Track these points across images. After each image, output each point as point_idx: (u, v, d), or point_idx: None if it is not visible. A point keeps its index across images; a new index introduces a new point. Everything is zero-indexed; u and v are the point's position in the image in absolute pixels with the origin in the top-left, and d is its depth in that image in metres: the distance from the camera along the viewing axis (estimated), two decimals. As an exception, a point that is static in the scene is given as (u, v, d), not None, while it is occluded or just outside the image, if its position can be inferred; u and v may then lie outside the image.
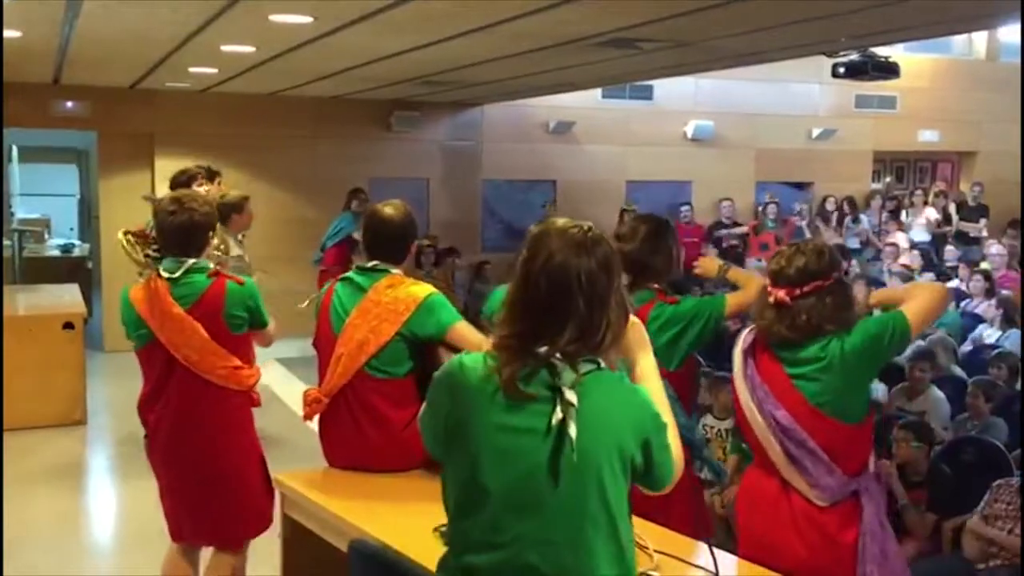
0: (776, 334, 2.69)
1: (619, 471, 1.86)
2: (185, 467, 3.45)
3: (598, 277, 1.88)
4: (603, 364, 1.89)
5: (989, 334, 7.51)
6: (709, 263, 3.67)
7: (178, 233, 3.39)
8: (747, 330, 2.82)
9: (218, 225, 3.83)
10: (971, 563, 4.21)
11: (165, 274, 3.38)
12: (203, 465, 3.42)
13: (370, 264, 3.22)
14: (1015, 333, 7.31)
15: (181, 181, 5.90)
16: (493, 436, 1.84)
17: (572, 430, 1.79)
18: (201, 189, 5.81)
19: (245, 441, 3.52)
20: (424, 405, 2.01)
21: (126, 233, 4.49)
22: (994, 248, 10.05)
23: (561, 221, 1.95)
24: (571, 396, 1.80)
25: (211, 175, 6.19)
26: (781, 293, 2.68)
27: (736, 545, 2.80)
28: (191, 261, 3.40)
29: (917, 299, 2.77)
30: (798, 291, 2.67)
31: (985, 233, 11.84)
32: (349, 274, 3.27)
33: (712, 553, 2.23)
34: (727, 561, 2.52)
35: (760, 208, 11.76)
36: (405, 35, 6.02)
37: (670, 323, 3.22)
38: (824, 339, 2.64)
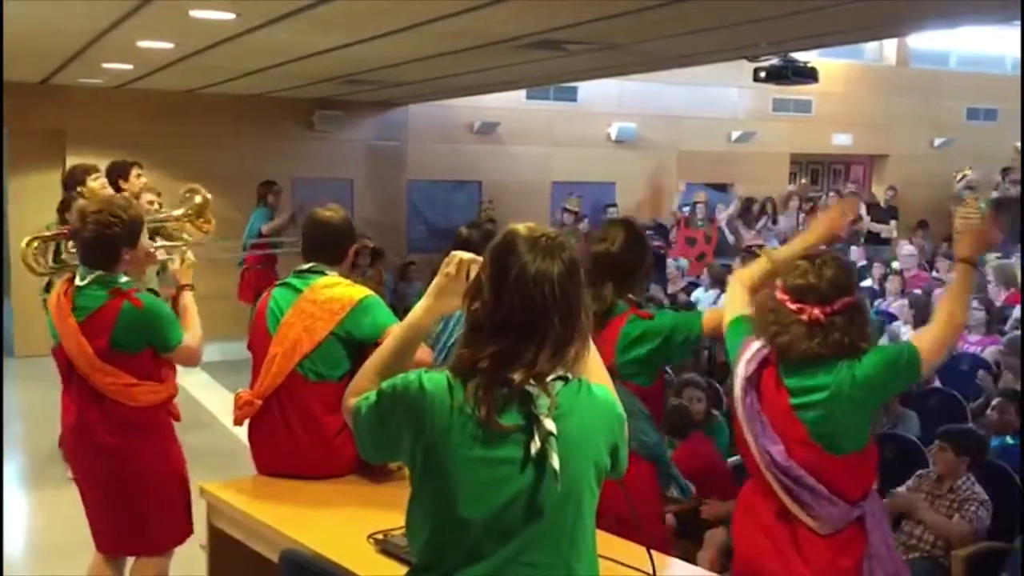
0: (803, 352, 2.56)
1: (595, 486, 1.86)
2: (94, 475, 3.36)
3: (568, 285, 1.83)
4: (568, 374, 1.85)
5: (902, 332, 7.75)
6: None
7: (87, 247, 3.30)
8: (753, 349, 2.67)
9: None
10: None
11: (76, 280, 3.30)
12: (110, 474, 3.32)
13: (307, 266, 3.20)
14: (927, 331, 7.56)
15: (67, 184, 5.73)
16: (472, 470, 1.79)
17: (555, 461, 1.75)
18: (96, 183, 5.63)
19: (153, 456, 3.38)
20: (367, 410, 1.93)
21: (30, 243, 4.27)
22: (906, 248, 10.39)
23: (524, 229, 1.88)
24: (550, 425, 1.76)
25: (124, 167, 6.00)
26: (816, 311, 2.56)
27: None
28: (98, 273, 3.27)
29: (934, 329, 2.61)
30: (830, 308, 2.56)
31: (895, 234, 12.24)
32: (287, 279, 3.24)
33: (650, 556, 2.23)
34: (668, 566, 2.53)
35: (689, 207, 11.94)
36: (331, 33, 5.93)
37: (645, 338, 3.09)
38: (834, 366, 2.55)
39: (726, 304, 2.97)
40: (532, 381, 1.79)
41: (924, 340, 2.60)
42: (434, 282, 2.07)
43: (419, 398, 1.83)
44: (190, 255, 3.61)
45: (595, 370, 2.01)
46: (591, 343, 1.98)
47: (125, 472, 3.31)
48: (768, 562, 2.61)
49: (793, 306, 2.59)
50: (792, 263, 2.72)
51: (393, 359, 2.05)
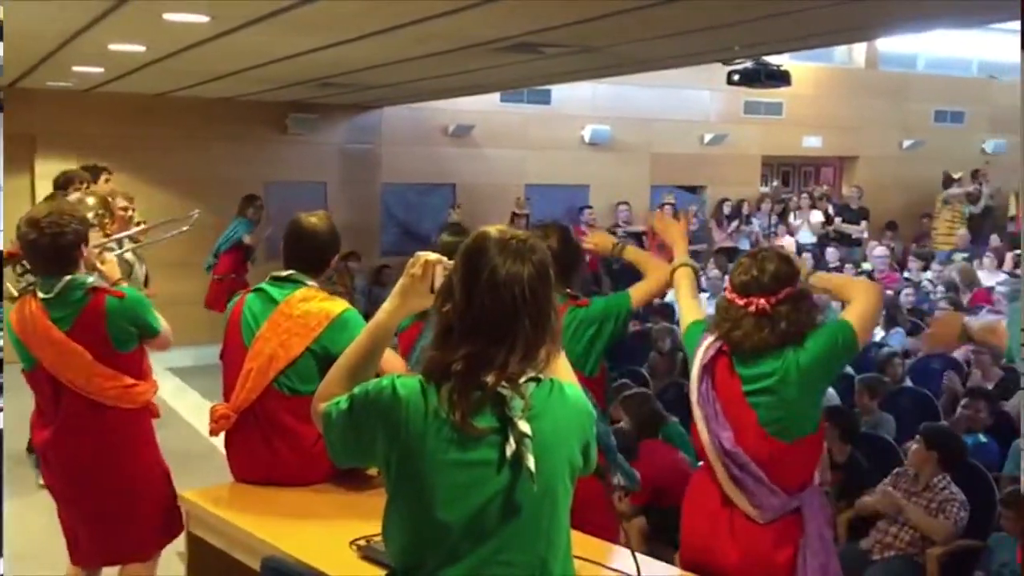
0: (756, 344, 2.68)
1: (569, 484, 1.88)
2: (80, 487, 3.29)
3: (539, 287, 1.85)
4: (539, 375, 1.86)
5: (874, 333, 7.83)
6: (602, 238, 3.68)
7: (44, 256, 3.19)
8: (709, 340, 2.79)
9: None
10: (867, 552, 4.38)
11: (41, 294, 3.19)
12: (98, 485, 3.27)
13: (285, 274, 3.13)
14: (898, 331, 7.66)
15: (60, 184, 5.68)
16: (448, 473, 1.81)
17: (531, 463, 1.77)
18: (73, 197, 5.57)
19: (145, 456, 3.38)
20: (338, 416, 1.92)
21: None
22: (877, 250, 10.52)
23: (495, 231, 1.90)
24: (524, 427, 1.78)
25: (95, 172, 5.96)
26: (761, 302, 2.69)
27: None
28: (67, 278, 3.19)
29: (858, 304, 2.79)
30: (774, 299, 2.69)
31: (866, 235, 12.37)
32: (262, 285, 3.16)
33: (635, 558, 2.25)
34: (651, 567, 2.54)
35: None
36: (307, 36, 5.90)
37: (583, 326, 3.20)
38: (780, 354, 2.67)
39: (681, 313, 3.11)
40: (505, 383, 1.80)
41: (854, 314, 2.76)
42: (399, 283, 2.07)
43: (393, 404, 1.84)
44: (109, 256, 3.53)
45: (563, 370, 2.02)
46: (561, 343, 2.00)
47: (120, 477, 3.27)
48: (708, 546, 2.71)
49: (741, 301, 2.73)
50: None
51: (360, 361, 2.06)
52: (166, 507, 3.36)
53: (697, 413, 2.74)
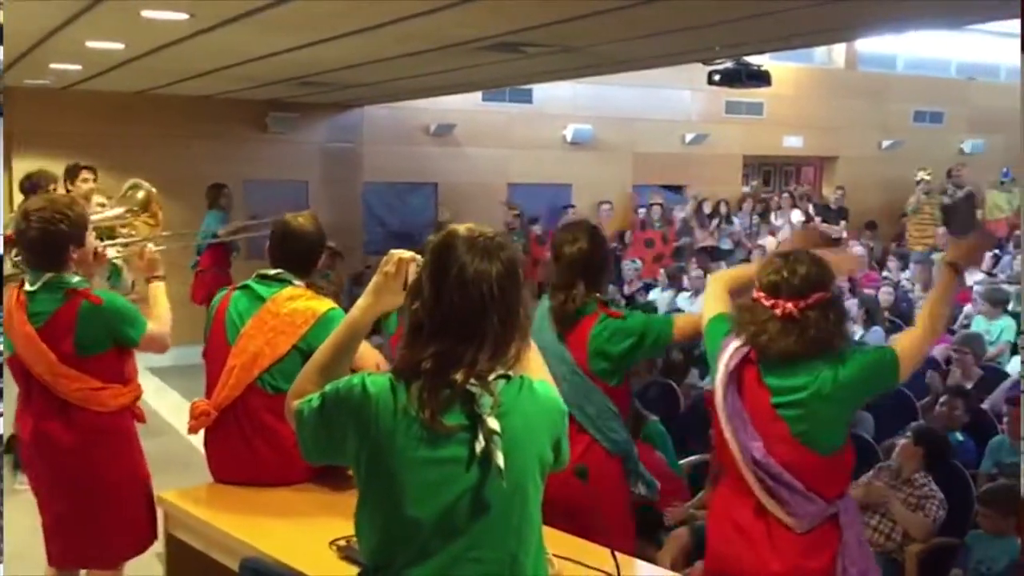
0: (782, 350, 2.57)
1: (539, 481, 1.89)
2: (54, 484, 3.27)
3: (507, 285, 1.85)
4: (509, 372, 1.87)
5: (853, 331, 7.88)
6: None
7: (33, 247, 3.17)
8: (733, 347, 2.67)
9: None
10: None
11: (27, 286, 3.18)
12: (72, 483, 3.24)
13: (273, 272, 3.12)
14: (877, 330, 7.71)
15: (27, 188, 5.61)
16: (418, 470, 1.81)
17: (500, 459, 1.78)
18: (86, 185, 5.55)
19: (122, 458, 3.33)
20: (309, 413, 1.92)
21: None
22: (856, 249, 10.55)
23: (463, 229, 1.90)
24: (493, 424, 1.79)
25: (73, 172, 5.89)
26: (789, 306, 2.57)
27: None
28: (50, 275, 3.16)
29: (916, 338, 2.66)
30: (803, 303, 2.57)
31: (845, 234, 12.44)
32: (248, 282, 3.16)
33: (615, 558, 2.25)
34: (632, 566, 2.53)
35: (646, 209, 12.02)
36: (287, 34, 5.87)
37: (618, 338, 3.12)
38: (815, 367, 2.56)
39: (705, 303, 2.98)
40: (474, 381, 1.81)
41: (904, 344, 2.65)
42: (373, 280, 2.08)
43: (363, 401, 1.84)
44: (151, 246, 3.52)
45: (535, 367, 2.03)
46: (532, 341, 2.01)
47: (91, 480, 3.23)
48: (741, 559, 2.63)
49: (767, 302, 2.61)
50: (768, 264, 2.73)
51: (333, 359, 2.06)
52: (137, 518, 3.31)
53: (724, 425, 2.64)
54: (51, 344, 3.15)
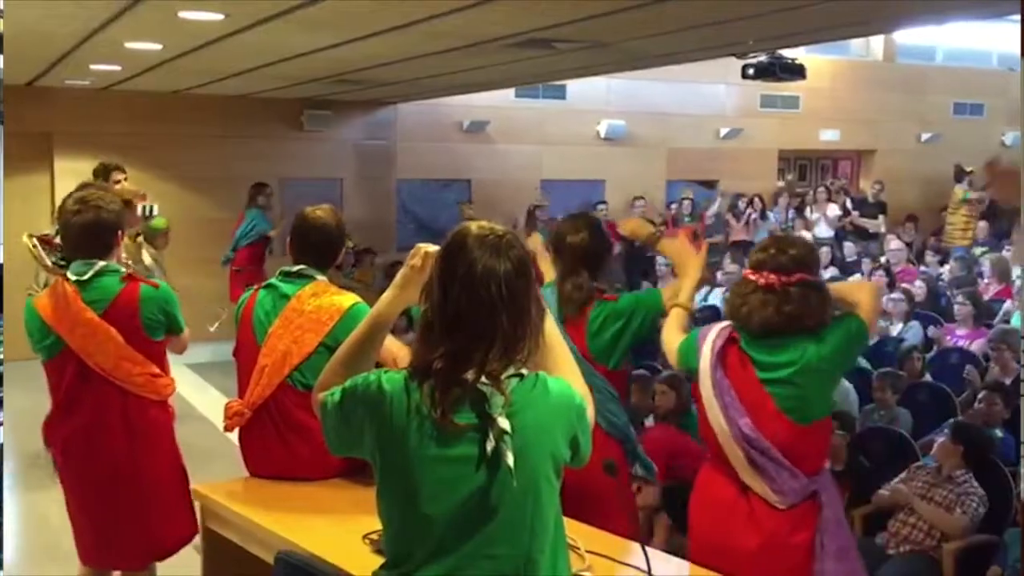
0: (762, 320, 2.69)
1: (553, 478, 1.88)
2: (102, 482, 3.29)
3: (517, 283, 1.85)
4: (523, 370, 1.87)
5: (892, 327, 7.78)
6: (638, 225, 3.63)
7: (84, 233, 3.22)
8: (718, 327, 2.80)
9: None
10: (882, 548, 4.36)
11: (73, 277, 3.22)
12: (121, 479, 3.28)
13: (295, 269, 3.15)
14: (915, 325, 7.61)
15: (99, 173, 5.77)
16: (430, 468, 1.83)
17: (510, 459, 1.78)
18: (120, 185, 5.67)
19: (166, 453, 3.39)
20: (331, 408, 1.96)
21: (31, 236, 4.28)
22: (893, 244, 10.42)
23: (475, 227, 1.90)
24: (504, 423, 1.79)
25: (106, 171, 5.99)
26: (772, 277, 2.70)
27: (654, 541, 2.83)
28: (101, 263, 3.23)
29: (866, 301, 2.82)
30: (786, 278, 2.69)
31: (883, 229, 12.27)
32: (272, 280, 3.19)
33: (645, 553, 2.25)
34: (661, 562, 2.53)
35: (676, 204, 11.96)
36: (320, 33, 5.92)
37: (610, 320, 3.21)
38: (799, 344, 2.67)
39: (667, 333, 3.05)
40: (485, 380, 1.81)
41: (862, 310, 2.79)
42: (399, 273, 2.09)
43: (378, 398, 1.86)
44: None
45: (559, 362, 2.01)
46: (558, 335, 2.02)
47: (138, 473, 3.28)
48: (723, 535, 2.71)
49: (753, 276, 2.75)
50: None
51: (358, 351, 2.08)
52: (180, 510, 3.35)
53: (712, 403, 2.73)
54: (119, 327, 3.20)
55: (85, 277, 3.22)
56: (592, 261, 3.29)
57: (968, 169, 12.07)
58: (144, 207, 5.42)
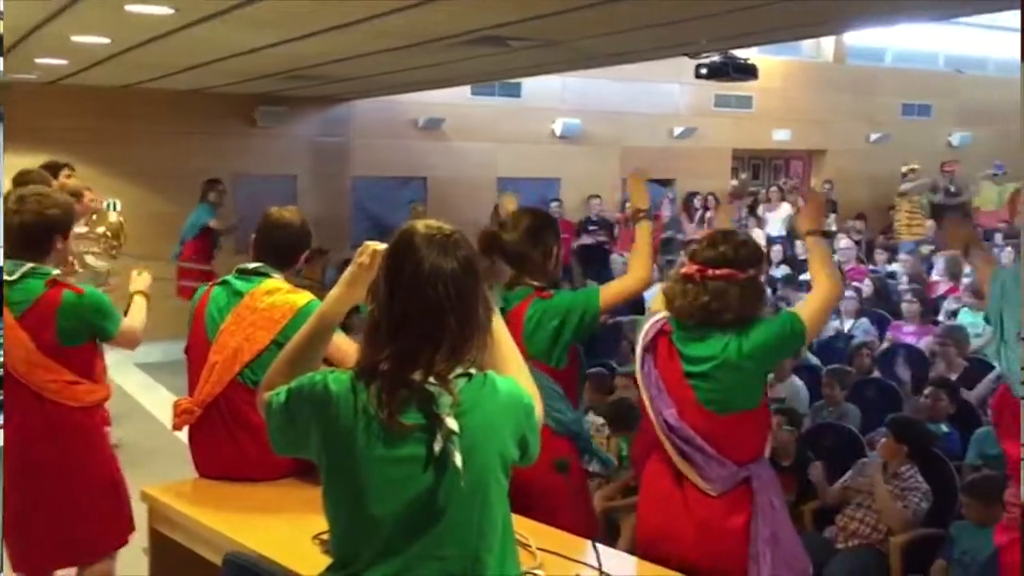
0: (678, 310, 2.74)
1: (502, 478, 1.88)
2: (26, 488, 3.23)
3: (464, 283, 1.84)
4: (472, 370, 1.86)
5: (843, 323, 7.89)
6: (639, 191, 3.43)
7: (19, 233, 3.16)
8: (653, 319, 2.84)
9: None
10: (831, 542, 4.43)
11: (5, 276, 3.17)
12: (47, 484, 3.22)
13: (252, 266, 3.12)
14: (864, 322, 7.74)
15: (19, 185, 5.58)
16: (378, 469, 1.81)
17: (458, 459, 1.77)
18: (70, 181, 5.53)
19: (93, 458, 3.32)
20: (276, 407, 1.94)
21: None
22: (843, 242, 10.58)
23: (422, 225, 1.89)
24: (452, 424, 1.78)
25: (54, 169, 5.86)
26: (693, 268, 2.73)
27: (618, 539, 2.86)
28: (30, 265, 3.16)
29: (814, 300, 2.81)
30: (709, 271, 2.71)
31: (834, 228, 12.46)
32: (227, 277, 3.15)
33: (596, 550, 2.26)
34: (612, 558, 2.54)
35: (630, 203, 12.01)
36: (266, 30, 5.87)
37: (546, 318, 3.16)
38: (724, 337, 2.69)
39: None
40: (433, 380, 1.80)
41: (806, 310, 2.78)
42: (347, 271, 2.07)
43: (325, 399, 1.85)
44: (145, 275, 3.54)
45: (508, 360, 2.01)
46: (505, 333, 2.02)
47: (60, 474, 3.22)
48: (663, 523, 2.75)
49: (683, 268, 2.80)
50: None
51: (304, 350, 2.06)
52: (114, 511, 3.31)
53: (643, 393, 2.80)
54: (31, 334, 3.14)
55: (12, 278, 3.16)
56: (516, 259, 3.24)
57: (905, 168, 12.37)
58: (109, 203, 5.29)
